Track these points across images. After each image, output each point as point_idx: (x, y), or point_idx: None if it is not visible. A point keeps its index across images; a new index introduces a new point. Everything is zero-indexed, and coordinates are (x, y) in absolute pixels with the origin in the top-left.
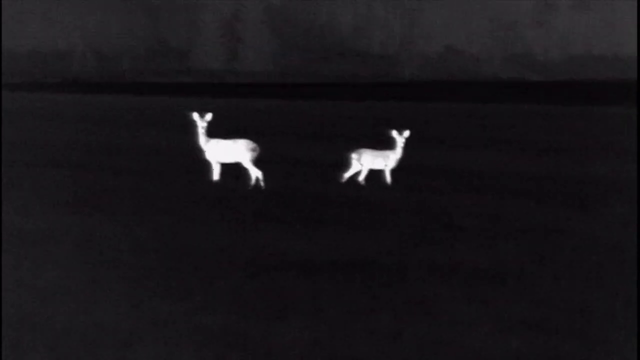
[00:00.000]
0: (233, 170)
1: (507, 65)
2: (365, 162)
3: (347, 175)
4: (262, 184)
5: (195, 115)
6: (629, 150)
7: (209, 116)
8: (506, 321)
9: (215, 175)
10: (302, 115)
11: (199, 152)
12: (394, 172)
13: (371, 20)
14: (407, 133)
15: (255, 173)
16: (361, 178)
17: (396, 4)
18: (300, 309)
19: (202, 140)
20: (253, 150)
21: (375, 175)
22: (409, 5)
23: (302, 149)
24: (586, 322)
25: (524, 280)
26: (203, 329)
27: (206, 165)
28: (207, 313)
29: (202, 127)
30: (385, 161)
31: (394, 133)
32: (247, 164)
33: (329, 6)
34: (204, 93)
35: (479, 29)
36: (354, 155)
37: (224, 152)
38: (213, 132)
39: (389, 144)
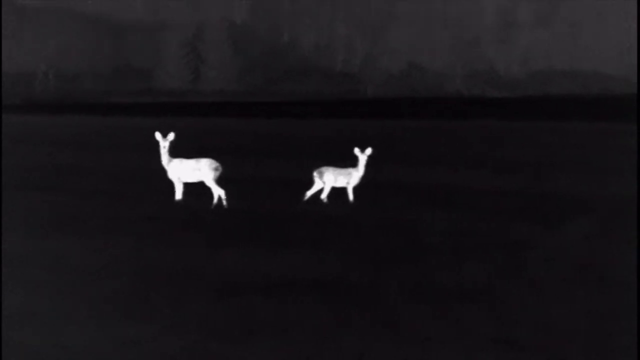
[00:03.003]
0: (196, 189)
1: (470, 81)
2: (327, 180)
3: (310, 193)
4: (224, 203)
5: (158, 135)
6: (594, 166)
7: (171, 136)
8: (475, 338)
9: (178, 194)
10: (265, 133)
11: (162, 172)
12: (357, 189)
13: (334, 38)
14: (369, 151)
15: (217, 192)
16: (324, 196)
17: (359, 22)
18: (267, 330)
19: (165, 160)
20: (216, 169)
21: (338, 193)
22: (371, 23)
23: (264, 167)
24: (553, 338)
25: (492, 297)
26: (170, 351)
27: (169, 185)
28: (174, 335)
29: (165, 147)
30: (348, 179)
31: (357, 151)
32: (210, 183)
33: (291, 25)
34: (167, 113)
35: (442, 46)
36: (316, 174)
37: (187, 171)
38: (176, 151)
39: (352, 162)
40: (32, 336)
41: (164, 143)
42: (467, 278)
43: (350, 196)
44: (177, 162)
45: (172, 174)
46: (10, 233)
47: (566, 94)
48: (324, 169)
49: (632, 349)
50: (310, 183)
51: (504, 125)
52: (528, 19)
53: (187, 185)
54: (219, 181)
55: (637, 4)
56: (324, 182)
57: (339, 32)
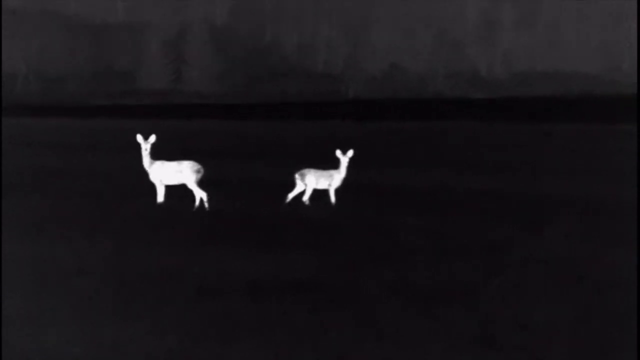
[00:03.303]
0: (178, 192)
1: (451, 82)
2: (309, 182)
3: (292, 195)
4: (206, 205)
5: (139, 138)
6: (574, 167)
7: (152, 138)
8: (455, 339)
9: (160, 197)
10: (247, 135)
11: (144, 175)
12: (338, 191)
13: (316, 39)
14: (350, 153)
15: (199, 194)
16: (305, 198)
17: (341, 23)
18: (248, 331)
19: (147, 162)
20: (197, 171)
21: (320, 195)
22: (353, 24)
23: (246, 169)
24: (533, 338)
25: (472, 298)
26: (151, 353)
27: (151, 188)
28: (155, 337)
29: (146, 149)
30: (329, 181)
31: (338, 153)
32: (192, 185)
33: (273, 26)
34: (149, 115)
35: (423, 47)
36: (297, 176)
37: (169, 173)
38: (158, 153)
39: (334, 164)
40: (13, 339)
41: (145, 145)
42: (448, 279)
43: (332, 198)
44: (159, 164)
45: (153, 177)
46: None
47: (548, 95)
48: (305, 171)
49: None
50: (292, 185)
51: (486, 126)
52: (510, 20)
53: (169, 188)
54: (201, 183)
55: (637, 4)
56: (305, 184)
57: (321, 33)
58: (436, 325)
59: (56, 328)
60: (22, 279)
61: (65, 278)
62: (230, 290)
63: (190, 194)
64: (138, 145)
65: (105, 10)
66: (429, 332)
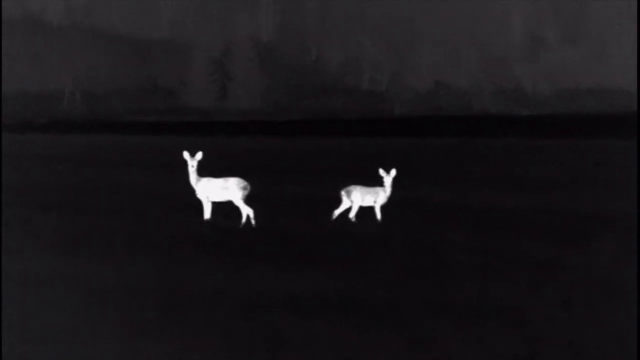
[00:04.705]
0: (224, 209)
1: (496, 99)
2: (355, 198)
3: (338, 212)
4: (253, 222)
5: (186, 155)
6: (621, 184)
7: (199, 155)
8: (500, 358)
9: (207, 213)
10: (292, 152)
11: (190, 192)
12: (384, 208)
13: (360, 56)
14: (393, 172)
15: (246, 211)
16: (352, 215)
17: (385, 40)
18: (293, 348)
19: (193, 179)
20: (244, 188)
21: (365, 212)
22: (398, 41)
23: (292, 186)
24: (579, 358)
25: (516, 316)
26: None
27: (197, 204)
28: (201, 354)
29: (193, 166)
30: (375, 198)
31: (381, 172)
32: (239, 202)
33: (318, 43)
34: (194, 132)
35: (468, 64)
36: (343, 192)
37: (215, 190)
38: (204, 170)
39: (379, 181)
40: (58, 356)
41: (192, 162)
42: (493, 297)
43: (378, 215)
44: (206, 181)
45: (200, 193)
46: (34, 252)
47: (593, 112)
48: (351, 187)
49: None
50: (337, 202)
51: (531, 143)
52: (555, 37)
53: (215, 205)
54: (247, 200)
55: (637, 4)
56: (351, 201)
57: (366, 51)
58: (481, 344)
59: (100, 346)
60: (66, 296)
61: (110, 295)
62: (276, 307)
63: (236, 210)
64: (184, 162)
65: (150, 27)
66: (474, 350)
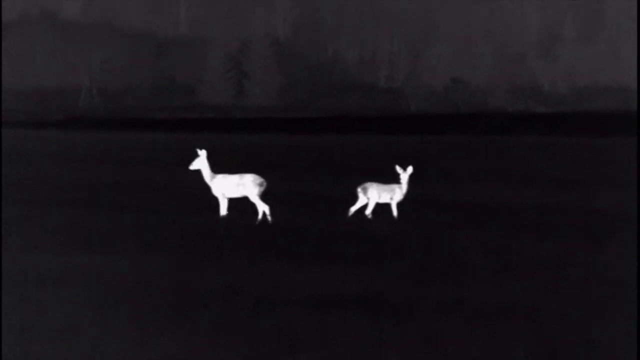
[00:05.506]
0: (240, 205)
1: (513, 97)
2: (371, 195)
3: (354, 209)
4: (269, 218)
5: (202, 152)
6: (637, 182)
7: (203, 153)
8: (516, 355)
9: (223, 210)
10: (309, 149)
11: (205, 188)
12: (400, 205)
13: (377, 53)
14: (410, 169)
15: (262, 207)
16: (368, 212)
17: (402, 38)
18: (309, 345)
19: (208, 175)
20: (260, 184)
21: (382, 208)
22: (414, 39)
23: (308, 183)
24: (593, 356)
25: (531, 315)
26: None
27: (213, 201)
28: (216, 351)
29: (208, 163)
30: (392, 195)
31: (398, 169)
32: (254, 198)
33: (334, 40)
34: (210, 128)
35: (485, 61)
36: (360, 189)
37: (231, 187)
38: (220, 167)
39: (395, 178)
40: (71, 353)
41: (205, 159)
42: (509, 295)
43: (395, 212)
44: (221, 177)
45: (216, 190)
46: (49, 249)
47: (610, 110)
48: (367, 184)
49: None
50: (354, 199)
51: (548, 141)
52: (572, 34)
53: (231, 201)
54: (264, 197)
55: (637, 4)
56: (368, 198)
57: (383, 48)
58: (497, 342)
59: (115, 343)
60: (81, 293)
61: (124, 292)
62: (291, 304)
63: (252, 207)
64: (200, 159)
65: (167, 24)
66: (490, 348)
